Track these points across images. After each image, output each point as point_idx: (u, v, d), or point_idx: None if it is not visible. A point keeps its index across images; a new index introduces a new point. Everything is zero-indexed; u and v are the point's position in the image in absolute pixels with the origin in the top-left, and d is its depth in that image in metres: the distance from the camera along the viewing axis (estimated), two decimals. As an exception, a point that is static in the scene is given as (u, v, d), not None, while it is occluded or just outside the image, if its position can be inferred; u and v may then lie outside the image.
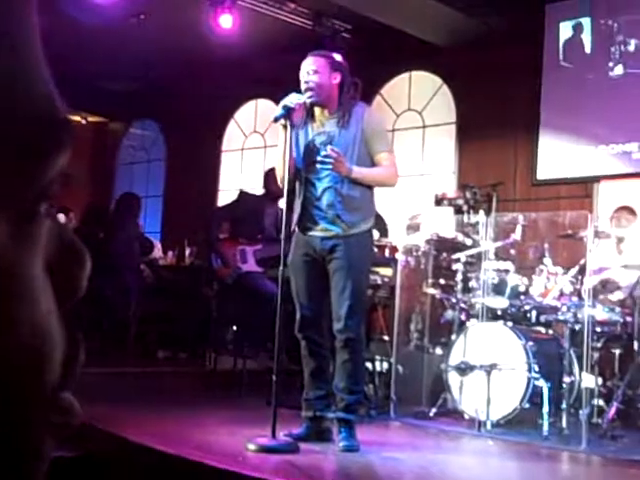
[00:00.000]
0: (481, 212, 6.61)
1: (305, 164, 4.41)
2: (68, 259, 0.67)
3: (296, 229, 4.44)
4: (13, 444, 0.60)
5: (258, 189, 7.36)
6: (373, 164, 4.39)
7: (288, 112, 4.26)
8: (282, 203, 6.79)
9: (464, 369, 5.38)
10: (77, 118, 12.64)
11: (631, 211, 6.58)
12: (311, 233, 4.39)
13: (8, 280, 0.59)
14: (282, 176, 4.41)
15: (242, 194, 7.50)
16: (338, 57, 4.55)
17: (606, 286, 5.97)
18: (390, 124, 9.64)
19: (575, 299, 5.43)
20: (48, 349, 0.63)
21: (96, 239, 8.11)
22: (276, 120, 4.34)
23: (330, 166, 4.25)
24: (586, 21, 8.20)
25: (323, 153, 4.30)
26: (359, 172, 4.30)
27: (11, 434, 0.59)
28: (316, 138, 4.41)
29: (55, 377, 0.64)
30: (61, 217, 7.24)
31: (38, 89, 0.62)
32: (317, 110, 4.45)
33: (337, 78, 4.40)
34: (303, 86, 4.36)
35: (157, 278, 8.94)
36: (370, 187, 4.44)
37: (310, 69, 4.37)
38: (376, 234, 5.90)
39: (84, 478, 4.03)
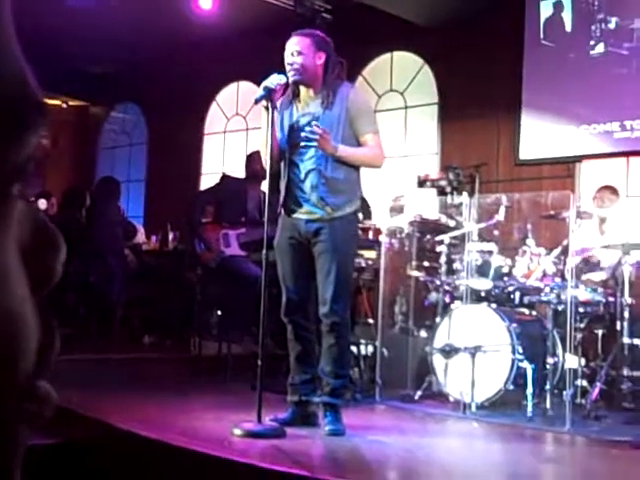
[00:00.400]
0: (464, 193, 6.60)
1: (289, 145, 4.38)
2: (42, 244, 0.65)
3: (282, 211, 4.41)
4: None
5: (241, 172, 7.32)
6: (359, 145, 4.36)
7: (269, 93, 4.23)
8: (265, 186, 6.80)
9: (449, 351, 5.39)
10: (58, 102, 12.53)
11: (613, 191, 6.60)
12: (296, 215, 4.37)
13: None
14: (265, 158, 4.38)
15: (224, 177, 7.46)
16: (323, 36, 4.50)
17: (588, 263, 6.00)
18: (372, 105, 9.61)
19: (558, 280, 5.44)
20: (23, 337, 0.61)
21: (76, 223, 8.05)
22: (257, 102, 4.31)
23: (315, 143, 4.22)
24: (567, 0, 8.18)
25: (307, 129, 4.27)
26: (344, 150, 4.26)
27: None
28: (300, 119, 4.37)
29: (30, 365, 0.63)
30: (42, 202, 7.19)
31: (9, 68, 0.60)
32: (302, 90, 4.41)
33: (322, 58, 4.35)
34: (287, 67, 4.33)
35: (140, 263, 8.90)
36: (356, 169, 4.41)
37: (294, 50, 4.34)
38: (359, 216, 5.91)
39: (68, 465, 4.02)
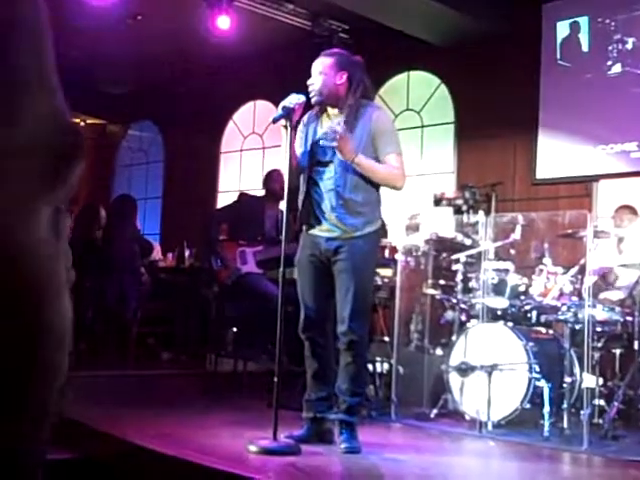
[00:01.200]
0: (480, 212, 6.61)
1: (310, 162, 4.38)
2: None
3: (303, 228, 4.42)
4: (39, 409, 0.65)
5: (257, 190, 7.36)
6: None
7: (288, 113, 4.23)
8: (283, 204, 6.82)
9: (465, 370, 5.37)
10: (75, 121, 12.63)
11: (632, 210, 6.58)
12: (316, 233, 4.36)
13: (51, 277, 0.63)
14: (288, 177, 4.38)
15: (242, 196, 7.49)
16: (348, 55, 4.49)
17: (606, 282, 5.98)
18: (395, 128, 9.63)
19: (575, 299, 5.42)
20: (66, 341, 0.67)
21: (91, 240, 8.10)
22: (275, 121, 4.31)
23: (335, 143, 4.20)
24: (583, 20, 8.20)
25: (327, 130, 4.24)
26: (363, 158, 4.21)
27: (41, 399, 0.64)
28: (322, 138, 4.38)
29: (66, 368, 0.69)
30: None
31: (61, 103, 0.67)
32: (329, 109, 4.42)
33: (343, 78, 4.32)
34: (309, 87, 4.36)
35: (156, 280, 8.92)
36: (375, 190, 4.36)
37: (316, 70, 4.36)
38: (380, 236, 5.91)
39: (85, 481, 4.04)
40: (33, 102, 0.65)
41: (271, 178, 6.89)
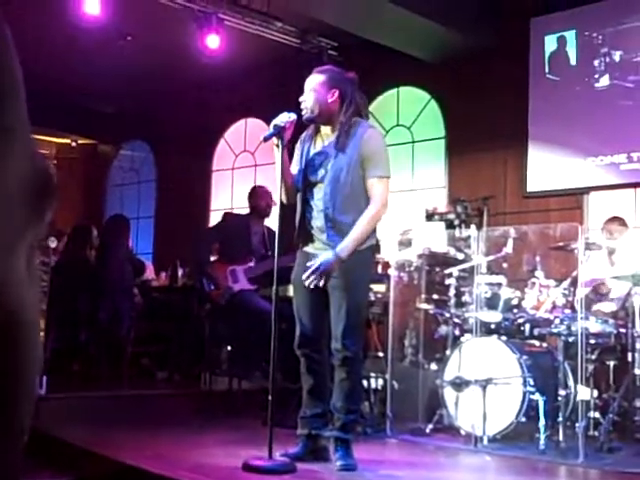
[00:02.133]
0: (472, 226, 6.62)
1: (303, 181, 4.39)
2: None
3: (300, 245, 4.42)
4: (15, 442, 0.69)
5: (246, 209, 7.36)
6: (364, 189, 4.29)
7: (279, 131, 4.23)
8: (268, 221, 6.84)
9: (459, 384, 5.37)
10: (67, 140, 12.65)
11: (622, 222, 6.60)
12: (311, 250, 4.36)
13: (30, 312, 0.66)
14: (280, 195, 4.38)
15: (226, 215, 7.55)
16: (339, 71, 4.49)
17: (598, 294, 5.99)
18: (385, 148, 9.65)
19: (568, 311, 5.43)
20: (40, 366, 0.71)
21: (83, 261, 8.09)
22: (266, 140, 4.30)
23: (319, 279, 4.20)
24: (571, 34, 8.25)
25: (305, 274, 4.23)
26: (346, 248, 4.18)
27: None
28: (315, 158, 4.36)
29: (36, 389, 0.72)
30: (52, 240, 7.21)
31: (34, 144, 0.70)
32: (322, 127, 4.42)
33: (334, 95, 4.31)
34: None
35: (150, 299, 8.91)
36: (366, 208, 4.29)
37: (308, 87, 4.36)
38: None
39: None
40: (19, 147, 0.69)
41: (255, 194, 6.91)
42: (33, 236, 0.70)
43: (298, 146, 4.47)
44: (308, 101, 4.33)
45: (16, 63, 0.71)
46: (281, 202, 4.34)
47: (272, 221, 6.73)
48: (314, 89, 4.33)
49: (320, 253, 4.29)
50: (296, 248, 4.47)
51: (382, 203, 4.29)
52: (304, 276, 4.22)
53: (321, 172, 4.32)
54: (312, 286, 4.23)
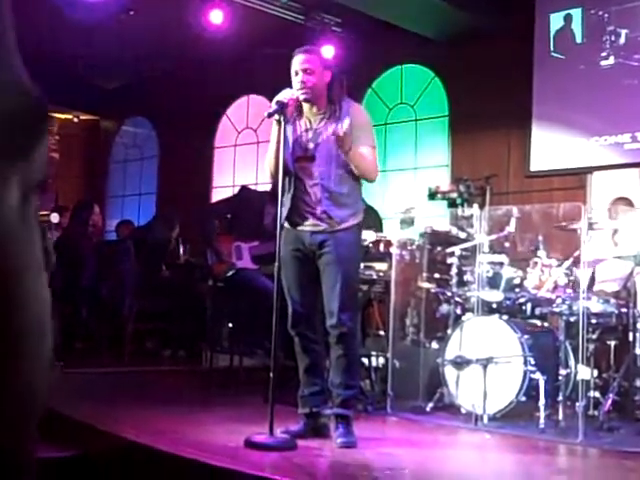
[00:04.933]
0: (475, 205, 6.60)
1: (293, 160, 4.40)
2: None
3: (285, 224, 4.43)
4: (24, 397, 0.64)
5: (251, 185, 7.34)
6: None
7: (282, 107, 4.26)
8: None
9: (460, 363, 5.38)
10: (69, 116, 12.61)
11: (629, 202, 6.58)
12: (300, 228, 4.39)
13: (22, 254, 0.62)
14: (272, 170, 4.41)
15: (243, 189, 7.47)
16: (328, 55, 4.57)
17: (601, 274, 5.98)
18: (382, 118, 9.64)
19: (570, 291, 5.43)
20: (49, 319, 0.67)
21: (85, 237, 8.13)
22: (270, 116, 4.32)
23: (341, 135, 4.22)
24: (576, 12, 8.20)
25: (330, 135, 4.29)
26: (355, 149, 4.29)
27: (24, 389, 0.63)
28: (304, 135, 4.41)
29: (51, 347, 0.68)
30: (55, 216, 7.21)
31: (10, 79, 0.65)
32: (305, 107, 4.44)
33: (328, 77, 4.41)
34: (298, 85, 4.35)
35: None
36: (357, 182, 4.43)
37: (305, 67, 4.35)
38: (371, 234, 5.91)
39: (82, 477, 4.04)
40: None
41: None
42: (22, 173, 0.64)
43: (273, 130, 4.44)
44: (309, 82, 4.34)
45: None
46: (282, 179, 4.34)
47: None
48: (313, 70, 4.37)
49: (310, 229, 4.33)
50: (282, 227, 4.47)
51: (376, 167, 4.48)
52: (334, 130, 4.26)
53: (310, 146, 4.37)
54: (319, 226, 4.31)
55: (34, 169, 0.64)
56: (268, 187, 6.99)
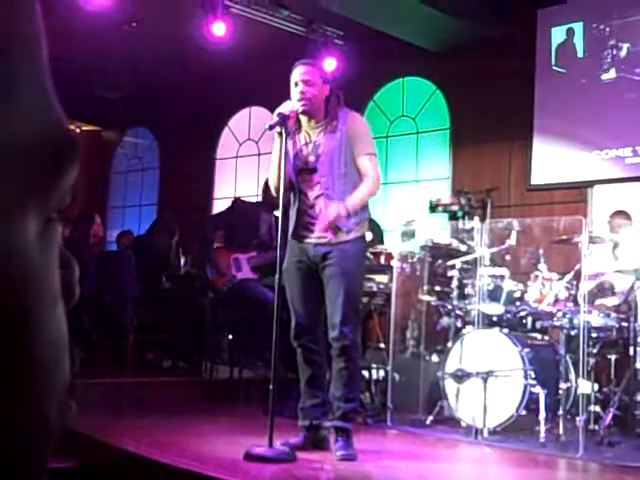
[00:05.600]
0: (476, 218, 6.61)
1: (295, 173, 4.41)
2: (61, 265, 0.69)
3: (290, 237, 4.43)
4: (34, 429, 0.64)
5: (252, 197, 7.35)
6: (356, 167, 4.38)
7: (283, 120, 4.27)
8: (278, 212, 6.84)
9: (460, 376, 5.37)
10: (71, 127, 12.63)
11: (627, 216, 6.59)
12: (305, 240, 4.39)
13: (38, 284, 0.61)
14: (276, 184, 4.41)
15: (236, 201, 7.49)
16: (330, 67, 4.59)
17: (601, 288, 5.98)
18: (384, 130, 9.65)
19: (570, 305, 5.43)
20: (66, 351, 0.66)
21: (88, 246, 8.14)
22: (271, 128, 4.33)
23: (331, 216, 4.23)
24: (578, 26, 8.23)
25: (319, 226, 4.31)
26: (352, 201, 4.25)
27: (34, 420, 0.62)
28: (303, 148, 4.42)
29: (67, 377, 0.68)
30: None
31: (56, 105, 0.66)
32: (303, 120, 4.45)
33: (326, 91, 4.43)
34: (297, 95, 4.36)
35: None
36: None
37: (305, 79, 4.37)
38: (369, 236, 5.91)
39: (81, 489, 4.02)
40: (27, 102, 0.63)
41: (268, 186, 6.91)
42: (46, 202, 0.64)
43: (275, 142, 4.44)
44: (308, 93, 4.35)
45: (38, 14, 0.67)
46: (284, 191, 4.34)
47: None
48: (313, 82, 4.39)
49: (314, 241, 4.33)
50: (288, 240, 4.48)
51: (377, 177, 4.43)
52: (318, 227, 4.28)
53: (311, 158, 4.37)
54: (323, 239, 4.28)
55: (59, 197, 0.65)
56: (260, 198, 7.02)
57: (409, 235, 6.86)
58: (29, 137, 0.62)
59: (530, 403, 5.11)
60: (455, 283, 5.88)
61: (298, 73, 4.40)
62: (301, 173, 4.40)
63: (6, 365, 0.60)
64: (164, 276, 8.69)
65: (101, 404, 5.62)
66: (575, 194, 8.11)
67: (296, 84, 4.39)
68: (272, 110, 4.44)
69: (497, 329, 5.50)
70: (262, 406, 4.88)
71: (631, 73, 7.82)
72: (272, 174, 4.47)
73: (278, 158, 4.34)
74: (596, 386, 5.28)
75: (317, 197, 4.36)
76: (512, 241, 5.77)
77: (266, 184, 7.01)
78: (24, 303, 0.61)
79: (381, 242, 6.60)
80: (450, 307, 5.92)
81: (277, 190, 4.40)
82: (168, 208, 11.79)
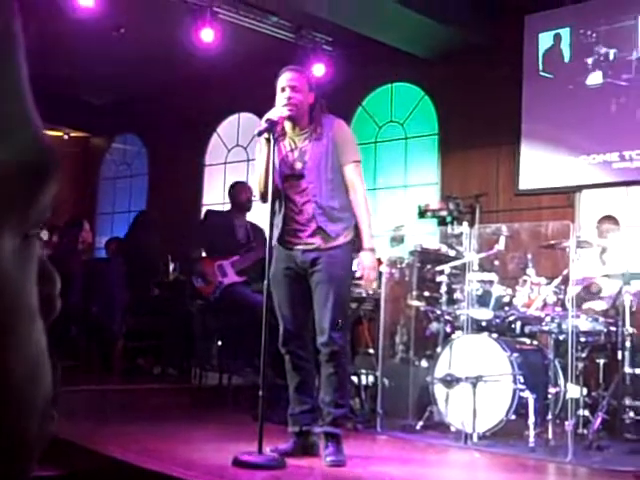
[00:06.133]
0: (465, 223, 6.63)
1: (281, 180, 4.41)
2: (42, 279, 0.68)
3: (276, 244, 4.42)
4: (14, 444, 0.63)
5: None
6: (341, 173, 4.40)
7: (272, 126, 4.27)
8: (250, 215, 6.89)
9: (450, 381, 5.38)
10: (59, 133, 12.61)
11: (614, 221, 6.62)
12: (294, 247, 4.39)
13: (16, 300, 0.60)
14: (262, 190, 4.40)
15: (208, 213, 7.57)
16: (319, 73, 4.60)
17: (589, 293, 6.00)
18: (372, 136, 9.67)
19: (559, 309, 5.45)
20: (45, 365, 0.65)
21: (76, 254, 8.10)
22: (260, 134, 4.33)
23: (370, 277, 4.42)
24: (565, 31, 8.26)
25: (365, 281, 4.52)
26: (369, 238, 4.40)
27: (14, 435, 0.62)
28: (289, 155, 4.42)
29: (48, 390, 0.67)
30: (44, 234, 7.19)
31: (35, 116, 0.65)
32: (288, 126, 4.45)
33: (311, 98, 4.44)
34: (283, 101, 4.36)
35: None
36: (347, 197, 4.41)
37: (292, 84, 4.38)
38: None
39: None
40: (4, 119, 0.62)
41: (236, 190, 6.96)
42: (24, 219, 0.63)
43: (262, 149, 4.45)
44: (295, 99, 4.36)
45: (14, 13, 0.66)
46: (271, 195, 4.34)
47: (254, 215, 6.83)
48: (300, 88, 4.40)
49: (302, 248, 4.32)
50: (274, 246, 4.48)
51: (363, 188, 4.49)
52: (366, 280, 4.47)
53: (298, 165, 4.37)
54: (311, 245, 4.34)
55: (38, 213, 0.64)
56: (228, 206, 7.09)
57: (398, 240, 6.87)
58: (5, 156, 0.61)
59: (519, 408, 5.11)
60: (444, 288, 5.90)
61: (285, 79, 4.41)
62: (288, 179, 4.40)
63: None
64: (153, 283, 8.67)
65: (88, 411, 5.61)
66: (563, 199, 8.14)
67: (283, 89, 4.39)
68: (261, 116, 4.45)
69: (486, 334, 5.50)
70: (251, 412, 4.87)
71: (618, 79, 7.86)
72: (257, 180, 4.46)
73: (265, 164, 4.34)
74: (585, 390, 5.30)
75: (305, 203, 4.36)
76: (501, 246, 5.79)
77: (232, 188, 7.04)
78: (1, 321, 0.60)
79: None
80: (439, 312, 5.93)
81: (263, 196, 4.40)
82: (157, 214, 11.79)
